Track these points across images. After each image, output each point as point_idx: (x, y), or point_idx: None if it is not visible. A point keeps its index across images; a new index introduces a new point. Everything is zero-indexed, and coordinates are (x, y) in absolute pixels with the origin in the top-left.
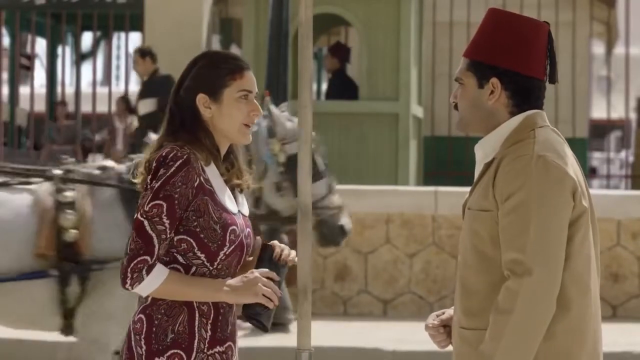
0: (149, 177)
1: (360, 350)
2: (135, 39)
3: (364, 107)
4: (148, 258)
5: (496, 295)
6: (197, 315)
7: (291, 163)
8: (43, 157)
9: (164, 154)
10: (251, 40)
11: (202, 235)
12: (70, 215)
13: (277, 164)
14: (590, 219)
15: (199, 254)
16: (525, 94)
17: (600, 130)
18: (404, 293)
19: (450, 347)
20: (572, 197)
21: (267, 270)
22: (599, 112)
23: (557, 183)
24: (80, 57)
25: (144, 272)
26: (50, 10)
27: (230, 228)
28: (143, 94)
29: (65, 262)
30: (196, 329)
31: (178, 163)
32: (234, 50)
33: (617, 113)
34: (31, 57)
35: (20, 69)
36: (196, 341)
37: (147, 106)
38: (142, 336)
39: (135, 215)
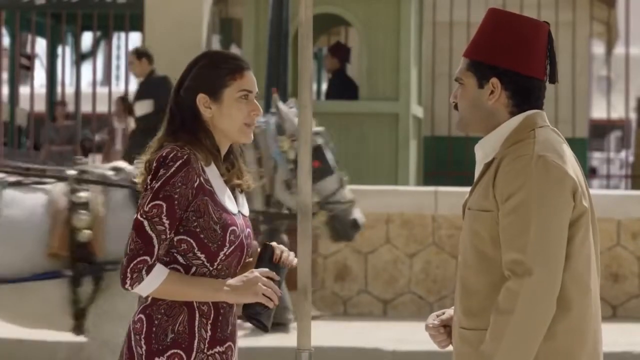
0: (149, 177)
1: (360, 350)
2: (135, 39)
3: (364, 107)
4: (148, 258)
5: (496, 295)
6: (197, 315)
7: None
8: (42, 158)
9: (164, 154)
10: (251, 40)
11: (202, 236)
12: (83, 216)
13: (286, 161)
14: (590, 219)
15: (199, 254)
16: (525, 94)
17: (600, 130)
18: (404, 293)
19: (450, 347)
20: (572, 197)
21: (267, 269)
22: (599, 112)
23: (557, 183)
24: (80, 57)
25: (143, 272)
26: (50, 10)
27: (230, 228)
28: (140, 95)
29: (79, 263)
30: (196, 329)
31: (178, 163)
32: (234, 50)
33: (617, 113)
34: (31, 57)
35: (20, 69)
36: (196, 341)
37: (143, 107)
38: (142, 336)
39: (135, 216)
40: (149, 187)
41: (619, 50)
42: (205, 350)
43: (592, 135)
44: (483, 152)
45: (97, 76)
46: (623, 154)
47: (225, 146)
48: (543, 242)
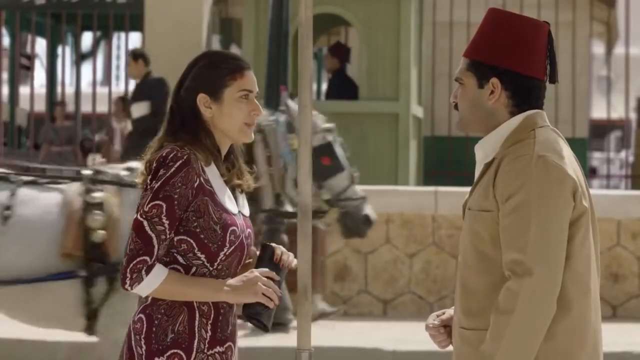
0: (149, 177)
1: (360, 350)
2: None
3: (364, 107)
4: (147, 258)
5: (496, 295)
6: (197, 315)
7: (314, 155)
8: (41, 158)
9: (164, 154)
10: (251, 40)
11: (202, 236)
12: (98, 216)
13: (296, 159)
14: (590, 219)
15: (199, 254)
16: (525, 94)
17: (600, 130)
18: (404, 293)
19: (450, 347)
20: (572, 197)
21: (267, 269)
22: (599, 112)
23: (557, 183)
24: (80, 57)
25: (143, 272)
26: (50, 10)
27: (231, 229)
28: (136, 97)
29: (93, 263)
30: (196, 329)
31: (178, 164)
32: (234, 50)
33: (617, 113)
34: (31, 57)
35: (20, 69)
36: (196, 341)
37: (140, 109)
38: (142, 336)
39: (135, 216)
40: (148, 187)
41: (619, 50)
42: (205, 351)
43: (592, 135)
44: (483, 152)
45: (97, 76)
46: (623, 154)
47: (226, 146)
48: (543, 242)
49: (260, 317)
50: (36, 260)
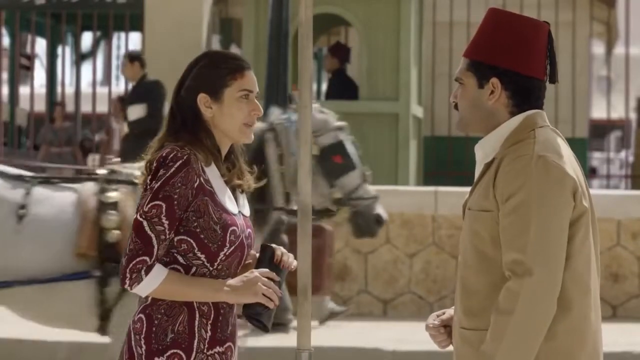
0: (149, 177)
1: (360, 350)
2: (135, 39)
3: (364, 107)
4: (147, 258)
5: (497, 295)
6: (197, 315)
7: (324, 155)
8: (40, 160)
9: (164, 154)
10: (251, 40)
11: (202, 236)
12: (112, 216)
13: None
14: (590, 219)
15: (199, 254)
16: (525, 94)
17: (600, 130)
18: (404, 293)
19: (450, 347)
20: (572, 197)
21: (267, 270)
22: (599, 112)
23: (557, 183)
24: (80, 57)
25: (142, 272)
26: (50, 10)
27: (231, 229)
28: (132, 99)
29: (107, 263)
30: (196, 329)
31: (178, 164)
32: (234, 50)
33: (617, 113)
34: (31, 57)
35: (20, 69)
36: (196, 341)
37: (136, 112)
38: (142, 336)
39: (135, 216)
40: (148, 187)
41: (619, 50)
42: (205, 351)
43: (592, 135)
44: (483, 152)
45: (97, 76)
46: (623, 154)
47: (226, 146)
48: (543, 242)
49: (261, 317)
50: (51, 260)
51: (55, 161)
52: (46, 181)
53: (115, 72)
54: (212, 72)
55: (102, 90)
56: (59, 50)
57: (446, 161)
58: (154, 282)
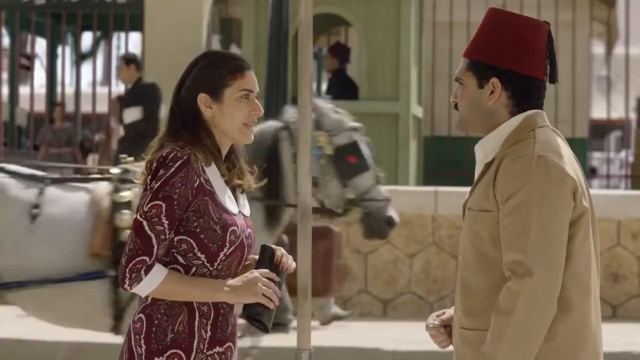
0: (149, 177)
1: (360, 350)
2: (135, 39)
3: (364, 107)
4: (147, 258)
5: (497, 295)
6: (197, 315)
7: (339, 155)
8: (39, 159)
9: (164, 154)
10: (251, 40)
11: (202, 236)
12: (126, 216)
13: (319, 157)
14: (590, 219)
15: (199, 254)
16: (525, 94)
17: (600, 130)
18: (404, 293)
19: (450, 348)
20: (572, 197)
21: (267, 270)
22: (599, 112)
23: (557, 183)
24: (80, 57)
25: (142, 272)
26: (50, 10)
27: (231, 229)
28: (128, 102)
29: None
30: (196, 329)
31: (178, 164)
32: (234, 50)
33: (617, 113)
34: (31, 57)
35: (20, 69)
36: (196, 341)
37: (132, 114)
38: (142, 336)
39: (135, 216)
40: (148, 187)
41: (619, 50)
42: (205, 351)
43: (592, 135)
44: (483, 152)
45: (97, 76)
46: (623, 154)
47: (226, 146)
48: (543, 242)
49: (261, 317)
50: (64, 260)
51: (55, 162)
52: (59, 181)
53: (115, 72)
54: (212, 72)
55: (102, 91)
56: (59, 50)
57: (446, 161)
58: (154, 282)
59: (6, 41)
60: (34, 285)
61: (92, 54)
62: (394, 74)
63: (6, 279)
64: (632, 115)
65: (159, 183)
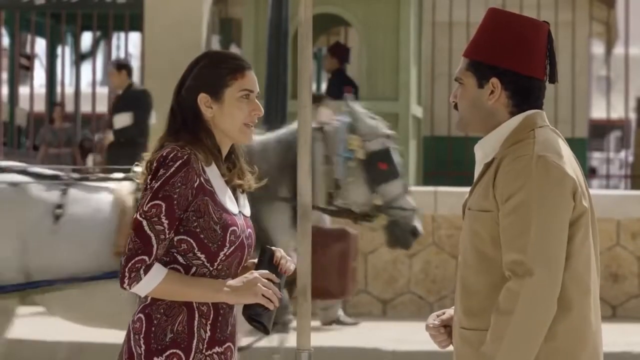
0: (149, 177)
1: (360, 350)
2: (135, 39)
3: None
4: (146, 258)
5: (497, 295)
6: (196, 315)
7: (371, 160)
8: (39, 160)
9: (164, 154)
10: (251, 40)
11: (202, 236)
12: None
13: (349, 160)
14: (590, 219)
15: (199, 254)
16: (525, 94)
17: (600, 130)
18: (403, 293)
19: (450, 348)
20: (572, 197)
21: (267, 271)
22: (598, 112)
23: (557, 183)
24: (79, 57)
25: (141, 271)
26: (50, 10)
27: (231, 229)
28: (118, 108)
29: None
30: (195, 329)
31: (178, 163)
32: (234, 50)
33: (617, 113)
34: (31, 57)
35: (20, 69)
36: (195, 341)
37: (122, 120)
38: (142, 335)
39: (135, 215)
40: (148, 186)
41: (618, 50)
42: (204, 351)
43: (591, 135)
44: (483, 152)
45: (96, 76)
46: (623, 154)
47: (227, 146)
48: (543, 242)
49: (261, 318)
50: (88, 259)
51: (54, 162)
52: (82, 180)
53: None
54: (212, 72)
55: (101, 91)
56: (59, 50)
57: (446, 161)
58: (153, 281)
59: (6, 41)
60: (61, 284)
61: (91, 54)
62: (394, 74)
63: (33, 279)
64: (632, 115)
65: (159, 183)
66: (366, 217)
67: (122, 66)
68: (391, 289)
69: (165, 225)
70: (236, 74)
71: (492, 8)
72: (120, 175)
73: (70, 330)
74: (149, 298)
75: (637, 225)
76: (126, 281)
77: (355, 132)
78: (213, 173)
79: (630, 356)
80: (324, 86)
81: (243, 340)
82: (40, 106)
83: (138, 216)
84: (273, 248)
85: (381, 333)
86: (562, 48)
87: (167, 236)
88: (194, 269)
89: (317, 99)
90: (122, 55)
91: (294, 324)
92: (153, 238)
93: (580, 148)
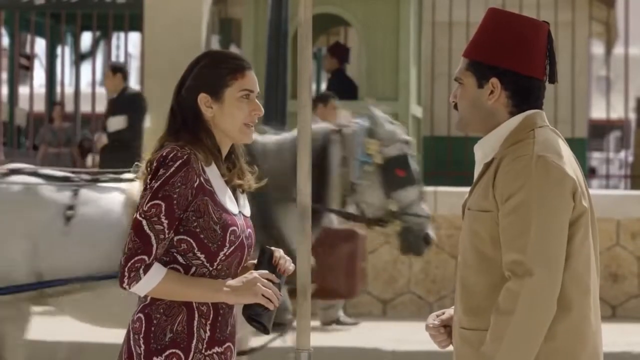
0: (149, 177)
1: (360, 350)
2: (134, 39)
3: (363, 107)
4: (145, 257)
5: (496, 295)
6: (196, 315)
7: (388, 166)
8: (38, 160)
9: (164, 154)
10: (250, 40)
11: (202, 236)
12: None
13: (366, 164)
14: (590, 219)
15: (198, 254)
16: (525, 94)
17: (600, 130)
18: (403, 293)
19: (450, 347)
20: (572, 197)
21: (266, 272)
22: (598, 112)
23: (557, 183)
24: (79, 57)
25: (141, 271)
26: (49, 10)
27: (231, 229)
28: (112, 111)
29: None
30: (195, 329)
31: (178, 163)
32: (234, 50)
33: (617, 113)
34: (30, 57)
35: (20, 69)
36: (194, 341)
37: (116, 123)
38: (141, 335)
39: (134, 215)
40: (148, 186)
41: (618, 50)
42: (204, 351)
43: (591, 135)
44: (482, 152)
45: (96, 76)
46: (622, 154)
47: (227, 146)
48: (543, 242)
49: (261, 318)
50: (99, 260)
51: (54, 162)
52: (93, 182)
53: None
54: (212, 71)
55: (101, 90)
56: (59, 50)
57: (445, 161)
58: (153, 281)
59: (6, 41)
60: (75, 282)
61: (91, 54)
62: (394, 74)
63: (45, 280)
64: (632, 116)
65: (158, 182)
66: (380, 222)
67: (118, 69)
68: (391, 289)
69: (165, 225)
70: (236, 74)
71: (492, 8)
72: (130, 175)
73: (70, 330)
74: (149, 298)
75: (637, 225)
76: (125, 281)
77: (374, 136)
78: (213, 173)
79: (630, 356)
80: (323, 86)
81: (253, 341)
82: (40, 106)
83: (138, 216)
84: (272, 248)
85: (381, 333)
86: (562, 48)
87: (167, 236)
88: (193, 269)
89: (324, 98)
90: (122, 55)
91: (293, 324)
92: (152, 238)
93: (580, 148)
